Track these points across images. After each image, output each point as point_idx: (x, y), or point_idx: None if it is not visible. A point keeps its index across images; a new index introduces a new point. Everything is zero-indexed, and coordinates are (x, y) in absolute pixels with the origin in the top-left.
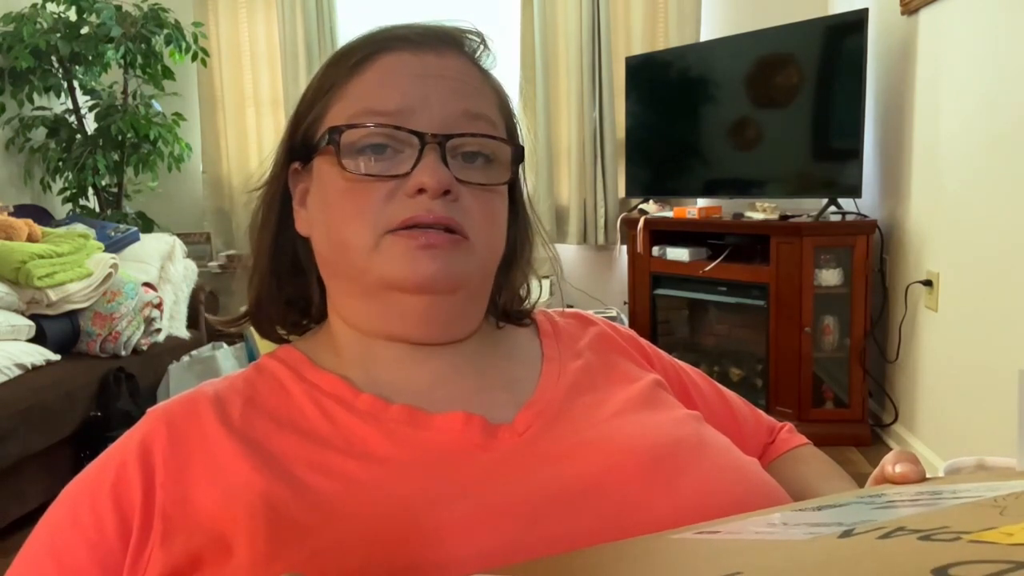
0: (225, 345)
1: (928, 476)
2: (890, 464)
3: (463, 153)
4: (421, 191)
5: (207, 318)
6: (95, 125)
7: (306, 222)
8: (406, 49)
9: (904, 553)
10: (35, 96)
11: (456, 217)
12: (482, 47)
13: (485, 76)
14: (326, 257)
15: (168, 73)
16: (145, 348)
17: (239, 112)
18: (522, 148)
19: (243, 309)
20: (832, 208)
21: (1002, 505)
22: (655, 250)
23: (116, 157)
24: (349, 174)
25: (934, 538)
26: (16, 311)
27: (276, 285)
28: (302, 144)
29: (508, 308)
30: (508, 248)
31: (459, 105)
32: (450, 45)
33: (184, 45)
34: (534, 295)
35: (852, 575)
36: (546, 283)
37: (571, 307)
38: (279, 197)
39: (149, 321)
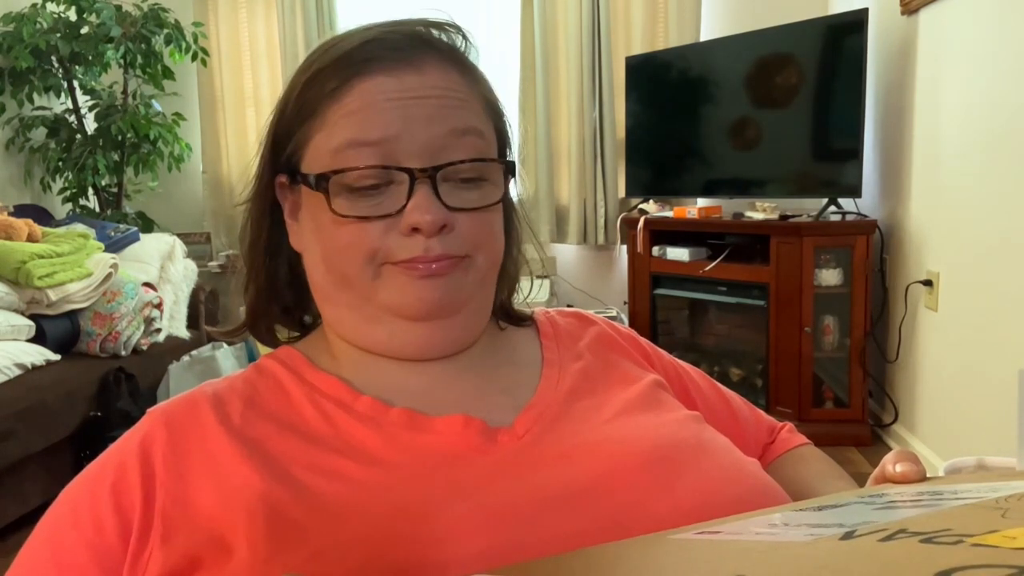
0: (225, 345)
1: (928, 476)
2: (891, 463)
3: (462, 176)
4: (416, 230)
5: (207, 330)
6: (95, 125)
7: (299, 239)
8: (382, 71)
9: (906, 556)
10: (35, 96)
11: (453, 250)
12: (462, 42)
13: (469, 80)
14: (321, 284)
15: (168, 73)
16: (145, 348)
17: (239, 112)
18: (513, 163)
19: (241, 309)
20: (832, 208)
21: (1004, 507)
22: (655, 250)
23: (116, 157)
24: (338, 217)
25: (936, 541)
26: (16, 311)
27: (273, 298)
28: (287, 166)
29: (507, 304)
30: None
31: (444, 125)
32: (428, 53)
33: (184, 45)
34: (534, 293)
35: None
36: (546, 283)
37: (571, 307)
38: (268, 211)
39: (149, 321)
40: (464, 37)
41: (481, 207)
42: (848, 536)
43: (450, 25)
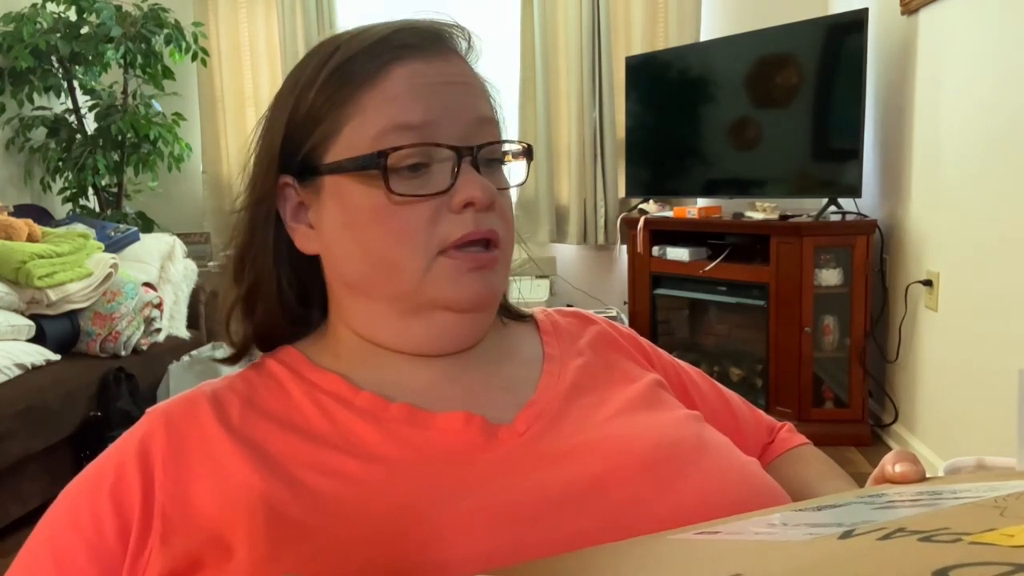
0: (225, 345)
1: (928, 476)
2: (890, 464)
3: (487, 160)
4: (467, 205)
5: (213, 359)
6: (95, 125)
7: (314, 241)
8: (416, 57)
9: (904, 554)
10: (35, 96)
11: (495, 228)
12: (471, 42)
13: (478, 74)
14: (356, 279)
15: (168, 73)
16: (145, 348)
17: (239, 112)
18: (531, 147)
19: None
20: (832, 208)
21: (1003, 506)
22: (655, 250)
23: (116, 157)
24: (395, 196)
25: (935, 539)
26: (16, 311)
27: (284, 309)
28: (303, 164)
29: (505, 300)
30: None
31: (474, 112)
32: (449, 46)
33: (184, 45)
34: (533, 293)
35: None
36: (545, 282)
37: (571, 307)
38: (274, 216)
39: (149, 321)
40: (471, 39)
41: (508, 188)
42: (846, 535)
43: (457, 28)
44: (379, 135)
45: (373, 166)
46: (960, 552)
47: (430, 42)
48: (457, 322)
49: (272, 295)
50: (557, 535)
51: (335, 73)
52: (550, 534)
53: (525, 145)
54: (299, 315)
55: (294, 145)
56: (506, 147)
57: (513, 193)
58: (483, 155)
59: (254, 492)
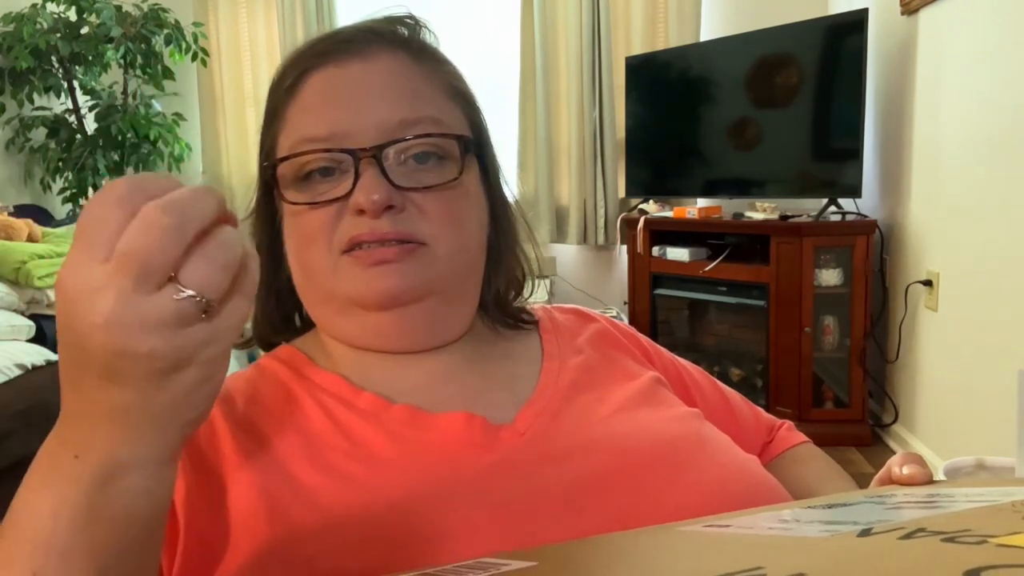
0: None
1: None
2: (897, 466)
3: (414, 156)
4: (362, 211)
5: None
6: (95, 125)
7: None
8: (329, 63)
9: (931, 554)
10: (35, 96)
11: (406, 228)
12: (418, 30)
13: (427, 67)
14: (299, 282)
15: (168, 73)
16: None
17: (239, 112)
18: (469, 137)
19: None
20: (832, 208)
21: (1022, 511)
22: (655, 250)
23: (116, 157)
24: (289, 205)
25: (958, 540)
26: (16, 311)
27: (274, 306)
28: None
29: (505, 303)
30: (491, 238)
31: (394, 115)
32: (377, 44)
33: (184, 45)
34: (533, 294)
35: (881, 575)
36: (545, 283)
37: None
38: (267, 221)
39: None
40: (419, 25)
41: (435, 186)
42: (865, 533)
43: (408, 17)
44: (292, 147)
45: (267, 178)
46: (988, 554)
47: (350, 45)
48: (383, 319)
49: (261, 298)
50: (559, 534)
51: (271, 89)
52: (552, 533)
53: (453, 136)
54: (294, 323)
55: (261, 160)
56: (438, 141)
57: (509, 195)
58: (404, 152)
59: (256, 491)
